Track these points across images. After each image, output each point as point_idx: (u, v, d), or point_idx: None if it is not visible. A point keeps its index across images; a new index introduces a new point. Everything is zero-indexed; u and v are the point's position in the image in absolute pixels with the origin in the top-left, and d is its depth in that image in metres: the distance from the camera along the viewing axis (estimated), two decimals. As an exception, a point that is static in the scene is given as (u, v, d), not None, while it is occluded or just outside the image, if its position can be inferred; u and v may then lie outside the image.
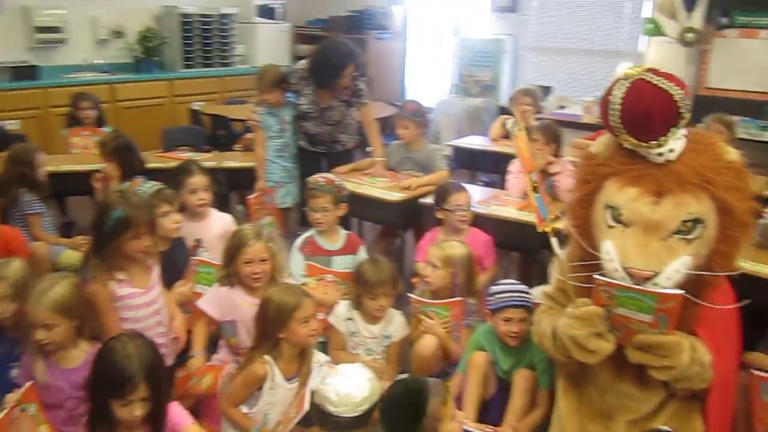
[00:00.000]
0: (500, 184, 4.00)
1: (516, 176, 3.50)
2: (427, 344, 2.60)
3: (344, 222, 4.15)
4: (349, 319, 2.74)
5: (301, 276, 2.89)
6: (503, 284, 2.52)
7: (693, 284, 1.75)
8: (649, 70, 1.73)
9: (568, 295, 2.03)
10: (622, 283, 1.75)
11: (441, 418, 1.88)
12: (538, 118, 4.46)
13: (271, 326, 2.21)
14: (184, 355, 2.60)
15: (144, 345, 1.88)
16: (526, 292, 2.45)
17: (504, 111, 5.77)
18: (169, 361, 2.50)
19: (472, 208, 3.18)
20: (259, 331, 2.27)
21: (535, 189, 2.22)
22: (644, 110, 1.70)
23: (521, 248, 3.43)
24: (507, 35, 6.65)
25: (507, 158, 3.85)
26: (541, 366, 2.36)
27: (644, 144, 1.73)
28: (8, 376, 2.29)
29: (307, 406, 2.09)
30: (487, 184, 4.71)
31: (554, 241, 2.10)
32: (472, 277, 2.79)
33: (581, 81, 6.38)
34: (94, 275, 2.32)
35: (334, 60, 3.75)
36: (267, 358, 2.22)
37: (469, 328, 2.72)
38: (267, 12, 7.51)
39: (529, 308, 2.41)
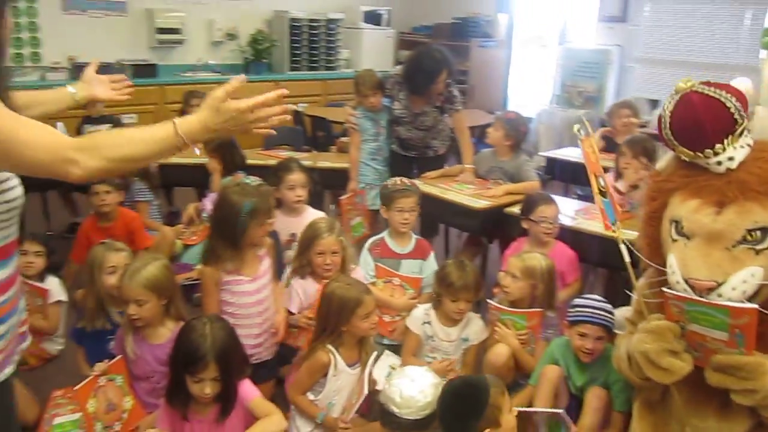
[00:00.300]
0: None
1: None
2: (500, 353, 2.58)
3: (432, 228, 4.22)
4: (427, 322, 2.76)
5: (370, 276, 2.95)
6: (586, 298, 2.47)
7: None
8: (704, 83, 1.71)
9: (644, 315, 1.97)
10: (691, 296, 1.69)
11: (501, 407, 1.89)
12: (643, 132, 4.31)
13: (334, 320, 2.31)
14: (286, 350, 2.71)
15: (220, 328, 2.01)
16: (607, 311, 2.39)
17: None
18: (266, 354, 2.61)
19: (559, 221, 3.12)
20: (321, 323, 2.37)
21: (602, 193, 2.18)
22: (693, 119, 1.68)
23: (607, 265, 3.32)
24: (614, 45, 6.46)
25: (604, 172, 3.73)
26: (616, 387, 2.30)
27: (700, 154, 1.70)
28: (107, 348, 2.50)
29: (366, 391, 2.19)
30: (581, 198, 4.58)
31: (623, 248, 2.05)
32: (552, 290, 2.74)
33: (692, 95, 6.09)
34: (209, 259, 2.47)
35: (428, 66, 3.79)
36: (329, 346, 2.31)
37: (546, 340, 2.68)
38: (373, 18, 7.67)
39: (607, 327, 2.35)
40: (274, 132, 1.47)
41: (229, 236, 2.45)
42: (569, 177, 4.68)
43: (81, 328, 2.68)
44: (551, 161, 4.75)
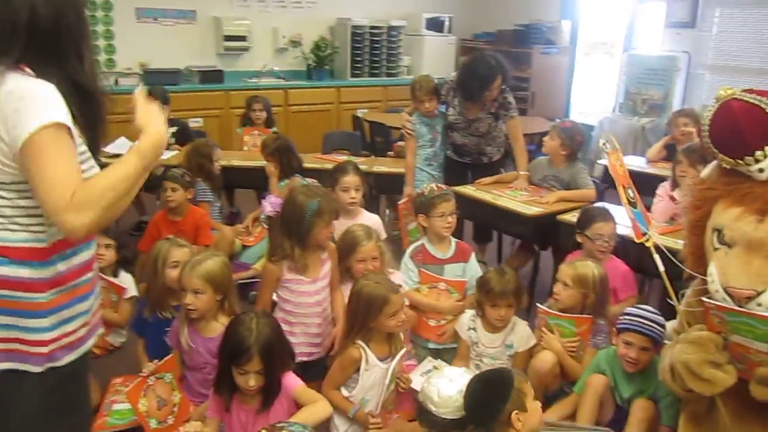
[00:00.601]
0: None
1: (662, 199, 3.33)
2: (545, 359, 2.57)
3: (485, 234, 4.22)
4: (472, 328, 2.79)
5: (414, 282, 2.97)
6: (638, 308, 2.44)
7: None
8: (746, 90, 1.69)
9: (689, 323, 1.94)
10: (732, 306, 1.66)
11: (526, 392, 1.91)
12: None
13: (362, 317, 2.37)
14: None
15: (266, 324, 2.09)
16: (657, 323, 2.34)
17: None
18: (320, 353, 2.69)
19: (616, 238, 3.02)
20: (350, 320, 2.44)
21: (632, 204, 2.20)
22: (732, 126, 1.67)
23: (660, 276, 3.23)
24: (682, 52, 6.27)
25: (663, 181, 3.65)
26: (665, 401, 2.26)
27: (740, 162, 1.69)
28: (163, 338, 2.62)
29: (386, 382, 2.29)
30: (641, 207, 4.48)
31: (657, 258, 2.04)
32: (604, 299, 2.71)
33: (764, 104, 5.85)
34: (274, 255, 2.59)
35: (482, 72, 3.79)
36: (360, 342, 2.38)
37: (594, 347, 2.65)
38: (435, 24, 7.70)
39: (654, 339, 2.31)
40: None
41: (295, 235, 2.55)
42: (627, 186, 4.57)
43: (142, 319, 2.82)
44: (608, 169, 4.65)
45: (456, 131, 4.03)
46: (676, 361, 1.81)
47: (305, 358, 2.61)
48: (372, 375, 2.39)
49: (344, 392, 2.41)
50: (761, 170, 1.67)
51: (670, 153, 4.39)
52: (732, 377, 1.72)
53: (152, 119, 1.51)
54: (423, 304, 2.92)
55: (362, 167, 4.17)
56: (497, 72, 3.79)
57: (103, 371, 2.85)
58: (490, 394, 1.92)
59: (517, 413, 1.86)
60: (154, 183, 4.59)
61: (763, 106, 1.65)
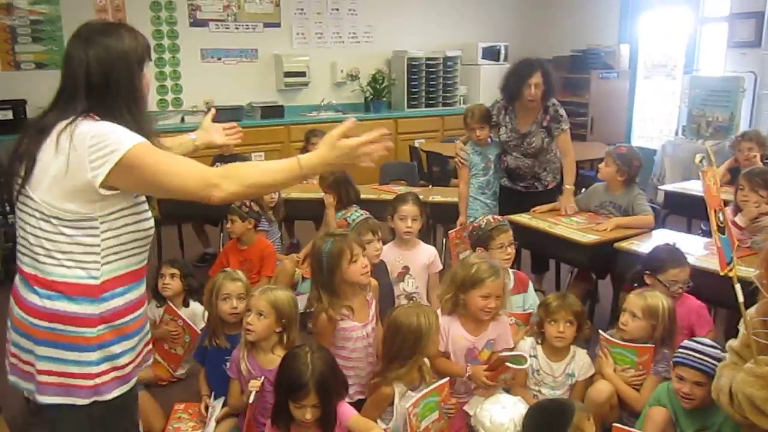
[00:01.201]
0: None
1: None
2: (601, 389, 2.52)
3: (542, 264, 4.18)
4: (533, 356, 2.75)
5: None
6: (695, 341, 2.35)
7: None
8: None
9: (753, 352, 1.86)
10: None
11: (584, 430, 1.88)
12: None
13: (407, 351, 2.38)
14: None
15: (320, 358, 2.14)
16: (711, 357, 2.24)
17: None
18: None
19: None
20: (391, 354, 2.44)
21: (720, 230, 2.02)
22: None
23: (724, 304, 3.12)
24: (747, 72, 6.09)
25: (726, 205, 3.54)
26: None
27: None
28: (223, 368, 2.71)
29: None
30: (706, 234, 4.35)
31: (738, 287, 1.93)
32: (672, 332, 2.62)
33: (838, 124, 5.62)
34: (320, 308, 2.57)
35: (520, 68, 3.86)
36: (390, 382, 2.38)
37: (656, 375, 2.57)
38: (491, 53, 7.72)
39: (708, 373, 2.20)
40: (372, 164, 1.72)
41: (322, 282, 2.56)
42: (688, 211, 4.46)
43: (203, 347, 2.92)
44: (669, 195, 4.56)
45: (509, 154, 4.02)
46: (739, 391, 1.74)
47: (359, 397, 2.61)
48: (406, 405, 2.37)
49: (381, 425, 2.41)
50: None
51: (734, 177, 4.26)
52: None
53: (340, 145, 1.63)
54: None
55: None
56: (536, 67, 3.80)
57: (168, 399, 2.96)
58: (547, 424, 1.91)
59: None
60: (216, 217, 4.81)
61: None
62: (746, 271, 2.49)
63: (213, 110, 2.33)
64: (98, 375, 1.58)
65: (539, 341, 2.74)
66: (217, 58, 6.69)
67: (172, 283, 3.28)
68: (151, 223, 1.70)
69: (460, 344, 2.64)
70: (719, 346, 2.31)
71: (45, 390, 1.59)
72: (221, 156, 5.19)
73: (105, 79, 1.58)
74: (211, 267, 4.12)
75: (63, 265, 1.55)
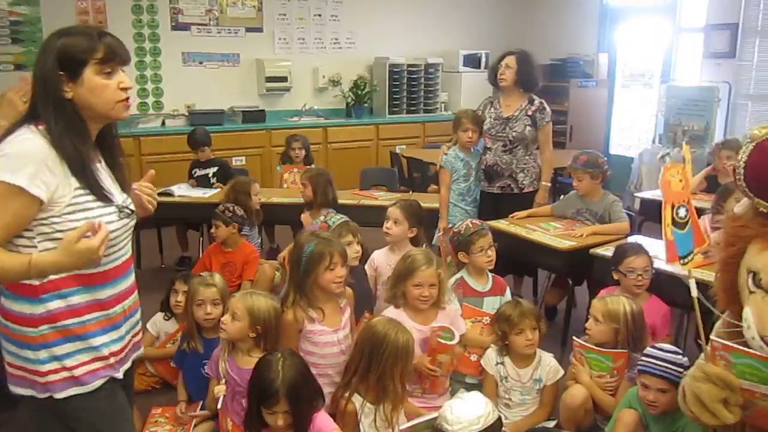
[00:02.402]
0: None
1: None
2: (575, 394, 2.56)
3: (523, 267, 4.21)
4: (500, 363, 2.79)
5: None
6: (657, 348, 2.38)
7: None
8: None
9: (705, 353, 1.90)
10: (738, 347, 1.61)
11: None
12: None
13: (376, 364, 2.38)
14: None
15: (291, 365, 2.15)
16: (673, 363, 2.28)
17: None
18: None
19: (652, 272, 2.99)
20: (360, 367, 2.43)
21: (679, 225, 2.07)
22: (766, 172, 1.58)
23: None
24: (722, 82, 6.21)
25: (703, 212, 3.61)
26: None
27: None
28: (201, 372, 2.72)
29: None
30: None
31: (692, 282, 1.98)
32: (640, 334, 2.66)
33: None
34: (289, 307, 2.55)
35: (501, 55, 4.10)
36: (355, 398, 2.38)
37: (630, 380, 2.60)
38: (472, 61, 7.79)
39: (671, 381, 2.24)
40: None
41: (297, 279, 2.54)
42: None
43: (182, 351, 2.92)
44: (644, 202, 4.63)
45: (489, 150, 4.08)
46: (687, 387, 1.77)
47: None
48: (370, 417, 2.40)
49: None
50: None
51: (711, 184, 4.34)
52: (736, 417, 1.68)
53: (77, 250, 1.46)
54: (467, 338, 2.91)
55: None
56: (513, 52, 4.06)
57: (147, 405, 2.96)
58: None
59: None
60: (197, 221, 4.81)
61: None
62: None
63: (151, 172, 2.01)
64: (46, 374, 1.60)
65: (504, 353, 2.78)
66: (198, 62, 6.69)
67: (184, 301, 3.13)
68: (134, 216, 1.73)
69: (413, 336, 2.60)
70: (681, 351, 2.36)
71: (13, 381, 1.64)
72: (198, 161, 5.21)
73: (39, 82, 1.58)
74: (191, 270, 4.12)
75: None
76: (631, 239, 3.49)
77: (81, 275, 1.60)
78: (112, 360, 1.70)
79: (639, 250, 3.03)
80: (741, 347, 1.62)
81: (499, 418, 2.22)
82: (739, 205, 1.81)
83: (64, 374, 1.62)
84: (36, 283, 1.56)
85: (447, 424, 2.08)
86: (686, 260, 2.05)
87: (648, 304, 2.91)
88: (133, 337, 1.81)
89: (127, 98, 1.66)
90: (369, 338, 2.43)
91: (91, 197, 1.60)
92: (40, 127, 1.55)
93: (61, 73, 1.55)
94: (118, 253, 1.70)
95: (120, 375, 1.73)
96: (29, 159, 1.50)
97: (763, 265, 1.61)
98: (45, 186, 1.51)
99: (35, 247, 1.55)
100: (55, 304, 1.59)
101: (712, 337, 1.71)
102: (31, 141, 1.53)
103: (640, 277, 2.95)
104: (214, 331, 2.79)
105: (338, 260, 2.51)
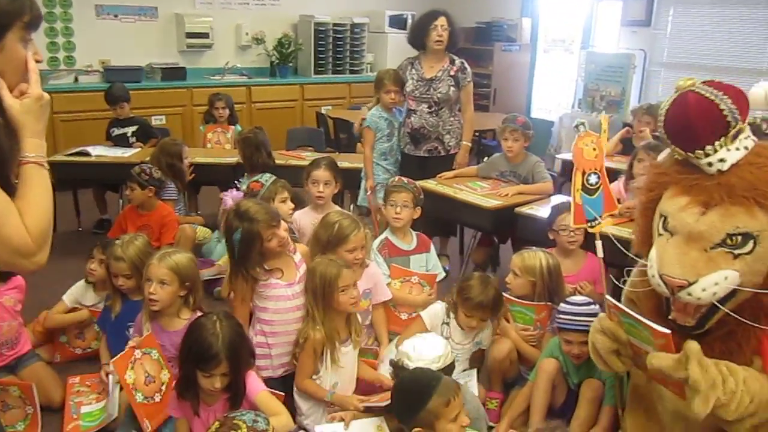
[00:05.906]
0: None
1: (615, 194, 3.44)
2: (501, 348, 2.65)
3: (448, 228, 4.29)
4: (446, 323, 2.78)
5: (386, 277, 2.99)
6: (571, 304, 2.48)
7: (752, 306, 1.68)
8: (706, 82, 1.68)
9: (637, 306, 2.02)
10: (622, 307, 1.77)
11: (439, 416, 1.96)
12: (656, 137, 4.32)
13: (320, 298, 2.43)
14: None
15: (230, 326, 2.12)
16: (589, 315, 2.37)
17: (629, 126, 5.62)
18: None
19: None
20: (310, 301, 2.47)
21: (588, 191, 2.22)
22: (684, 119, 1.67)
23: (616, 264, 3.34)
24: (638, 50, 6.45)
25: (619, 174, 3.76)
26: (609, 382, 2.34)
27: (691, 154, 1.69)
28: (125, 335, 2.64)
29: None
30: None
31: (598, 244, 2.13)
32: (557, 287, 2.78)
33: (716, 99, 6.04)
34: (237, 294, 2.49)
35: (427, 16, 4.05)
36: (319, 327, 2.41)
37: (552, 333, 2.71)
38: (398, 22, 7.75)
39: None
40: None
41: (238, 264, 2.47)
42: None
43: (106, 315, 2.83)
44: (566, 163, 4.79)
45: (413, 113, 4.08)
46: (590, 336, 1.99)
47: (288, 369, 2.54)
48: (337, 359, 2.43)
49: (305, 404, 2.44)
50: (710, 164, 1.68)
51: (626, 147, 4.52)
52: (626, 367, 1.93)
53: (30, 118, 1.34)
54: (396, 298, 2.94)
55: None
56: (441, 12, 4.03)
57: (66, 373, 2.87)
58: (406, 400, 2.04)
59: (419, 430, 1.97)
60: (117, 183, 4.62)
61: (717, 101, 1.64)
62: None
63: None
64: None
65: (452, 315, 2.77)
66: (113, 15, 6.33)
67: (99, 269, 3.00)
68: None
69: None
70: (593, 301, 2.49)
71: None
72: (117, 119, 4.99)
73: None
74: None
75: None
76: (554, 199, 3.62)
77: None
78: None
79: (569, 208, 3.12)
80: (623, 308, 1.79)
81: (453, 362, 2.36)
82: (662, 153, 1.93)
83: None
84: None
85: (408, 360, 2.19)
86: (594, 224, 2.22)
87: (586, 263, 3.05)
88: None
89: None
90: (309, 272, 2.49)
91: None
92: None
93: None
94: None
95: None
96: None
97: (672, 209, 1.74)
98: None
99: None
100: None
101: (606, 296, 1.89)
102: None
103: (572, 233, 3.04)
104: (137, 294, 2.71)
105: (272, 230, 2.44)
